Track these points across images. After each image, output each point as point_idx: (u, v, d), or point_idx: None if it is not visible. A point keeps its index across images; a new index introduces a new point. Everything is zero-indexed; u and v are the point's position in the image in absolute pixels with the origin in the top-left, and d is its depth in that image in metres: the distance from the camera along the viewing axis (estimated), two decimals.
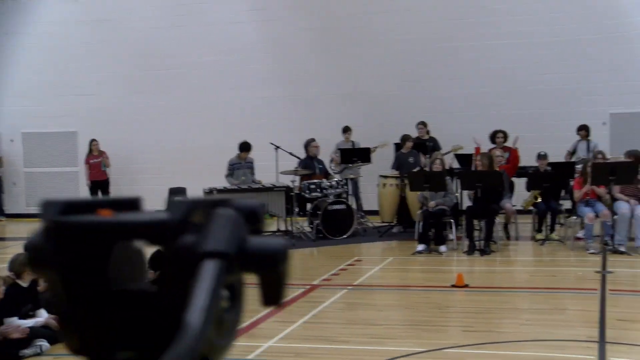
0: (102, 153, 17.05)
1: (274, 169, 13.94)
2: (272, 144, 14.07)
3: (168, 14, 17.31)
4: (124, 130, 17.57)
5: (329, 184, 13.59)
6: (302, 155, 14.29)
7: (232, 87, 17.10)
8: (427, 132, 15.21)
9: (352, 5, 16.55)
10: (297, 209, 13.53)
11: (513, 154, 12.85)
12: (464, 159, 13.16)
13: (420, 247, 11.80)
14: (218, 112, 17.13)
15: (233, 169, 13.29)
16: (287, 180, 13.44)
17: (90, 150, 17.05)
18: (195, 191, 12.62)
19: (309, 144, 14.23)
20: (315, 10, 16.78)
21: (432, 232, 12.02)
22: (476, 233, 11.67)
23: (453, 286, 9.44)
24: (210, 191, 12.60)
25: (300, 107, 16.94)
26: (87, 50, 17.66)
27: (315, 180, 13.66)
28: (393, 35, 16.43)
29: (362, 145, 14.97)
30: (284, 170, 13.66)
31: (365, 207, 15.31)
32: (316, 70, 16.86)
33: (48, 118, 17.88)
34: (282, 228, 13.24)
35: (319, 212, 13.26)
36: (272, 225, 13.99)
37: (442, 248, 11.81)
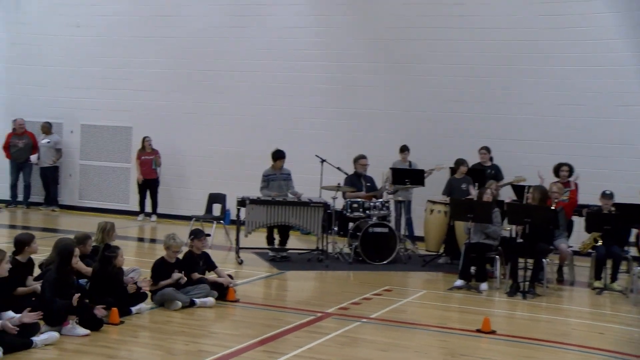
0: (154, 151, 16.78)
1: (319, 183, 13.29)
2: (317, 156, 13.45)
3: (225, 13, 16.93)
4: (175, 130, 17.31)
5: (372, 204, 12.81)
6: (352, 171, 13.57)
7: (286, 94, 16.60)
8: (490, 159, 14.25)
9: (416, 19, 15.71)
10: (336, 228, 12.81)
11: (573, 191, 11.76)
12: (520, 191, 12.14)
13: (459, 282, 10.92)
14: (268, 119, 16.67)
15: (268, 180, 12.67)
16: (328, 197, 12.73)
17: (143, 147, 16.81)
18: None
19: (357, 160, 13.55)
20: (379, 22, 16.05)
21: (473, 269, 11.14)
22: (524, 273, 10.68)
23: (478, 331, 8.54)
24: (242, 200, 12.01)
25: (356, 121, 16.28)
26: (142, 46, 17.49)
27: (358, 199, 12.91)
28: (460, 52, 15.51)
29: (420, 167, 14.18)
30: (327, 185, 12.98)
31: (418, 233, 14.45)
32: (375, 84, 16.16)
33: (106, 111, 17.78)
34: (321, 247, 12.51)
35: (359, 234, 12.51)
36: (309, 243, 13.33)
37: (483, 286, 10.90)
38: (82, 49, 17.84)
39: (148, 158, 16.73)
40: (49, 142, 17.67)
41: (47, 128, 17.74)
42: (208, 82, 17.05)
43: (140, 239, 15.23)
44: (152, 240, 15.01)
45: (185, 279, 9.08)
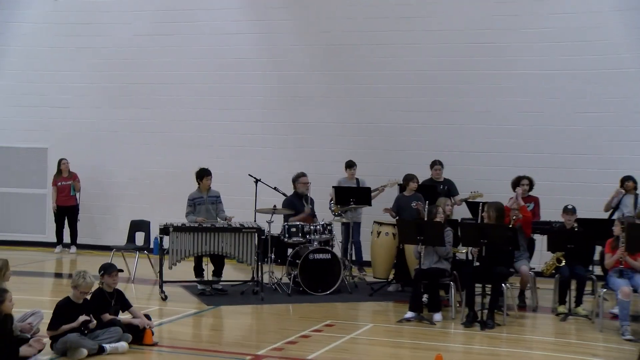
0: (72, 175, 15.82)
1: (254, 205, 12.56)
2: (251, 175, 12.67)
3: (154, 21, 16.10)
4: (98, 150, 16.46)
5: (313, 227, 12.05)
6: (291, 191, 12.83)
7: (221, 107, 15.89)
8: (440, 175, 13.60)
9: (363, 22, 15.09)
10: (272, 255, 12.02)
11: (523, 207, 11.12)
12: (476, 209, 11.49)
13: (409, 314, 10.19)
14: (203, 134, 15.91)
15: (194, 203, 11.80)
16: (263, 221, 11.95)
17: (59, 171, 15.83)
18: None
19: (297, 180, 12.78)
20: (322, 25, 15.40)
21: (426, 296, 10.45)
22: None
23: None
24: (165, 228, 11.15)
25: (300, 135, 15.61)
26: (62, 57, 16.55)
27: (296, 223, 12.14)
28: (410, 57, 14.92)
29: (370, 184, 13.58)
30: (261, 208, 12.20)
31: (367, 258, 13.70)
32: (320, 94, 15.50)
33: (18, 131, 16.71)
34: (257, 277, 11.68)
35: (298, 261, 11.73)
36: (246, 273, 12.51)
37: (436, 317, 10.20)
38: None
39: (65, 183, 15.75)
40: None
41: None
42: (134, 96, 16.25)
43: (58, 274, 14.22)
44: (70, 275, 13.97)
45: (95, 322, 8.18)
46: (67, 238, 16.00)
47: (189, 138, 15.97)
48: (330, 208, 13.11)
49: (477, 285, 10.25)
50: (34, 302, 9.70)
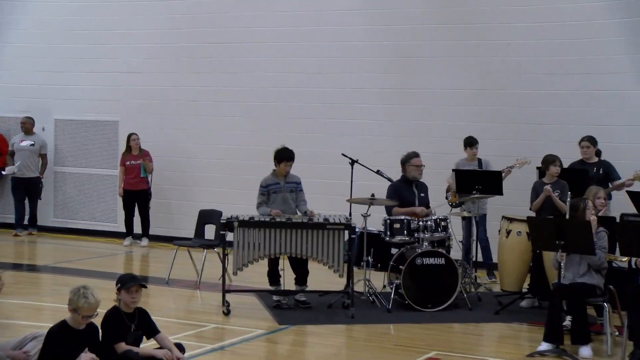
0: (144, 153, 14.53)
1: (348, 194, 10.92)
2: (345, 155, 10.90)
3: None
4: (174, 124, 15.13)
5: (422, 223, 10.16)
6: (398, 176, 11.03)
7: (317, 70, 14.22)
8: (598, 154, 11.42)
9: None
10: (369, 259, 10.26)
11: None
12: None
13: (544, 346, 8.18)
14: (296, 104, 14.36)
15: (268, 191, 10.09)
16: (358, 214, 10.24)
17: (129, 148, 14.56)
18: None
19: (407, 161, 10.88)
20: None
21: (568, 322, 8.51)
22: None
23: None
24: (229, 222, 9.51)
25: (410, 106, 13.73)
26: (127, 15, 15.28)
27: (400, 217, 10.27)
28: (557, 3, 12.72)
29: (496, 167, 11.65)
30: (357, 197, 10.46)
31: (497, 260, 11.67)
32: (437, 53, 13.55)
33: (85, 102, 15.58)
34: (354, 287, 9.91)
35: (402, 267, 9.87)
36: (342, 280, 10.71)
37: (584, 351, 8.18)
38: (55, 21, 15.73)
39: (135, 163, 14.46)
40: (32, 144, 15.47)
41: (29, 125, 15.53)
42: (217, 60, 14.80)
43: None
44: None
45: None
46: (138, 228, 14.72)
47: (280, 109, 14.44)
48: (446, 197, 11.17)
49: None
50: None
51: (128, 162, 14.49)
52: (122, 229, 14.88)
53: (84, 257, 13.38)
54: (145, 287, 6.98)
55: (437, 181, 11.90)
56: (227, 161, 14.77)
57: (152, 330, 7.04)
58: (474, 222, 11.29)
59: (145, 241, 14.61)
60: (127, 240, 14.64)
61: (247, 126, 14.64)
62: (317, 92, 14.18)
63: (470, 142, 11.98)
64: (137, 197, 14.55)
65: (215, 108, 14.84)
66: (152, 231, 14.78)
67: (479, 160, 11.98)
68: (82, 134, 15.78)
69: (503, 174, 11.31)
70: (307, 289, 10.13)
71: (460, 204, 11.19)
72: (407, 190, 10.79)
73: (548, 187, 10.16)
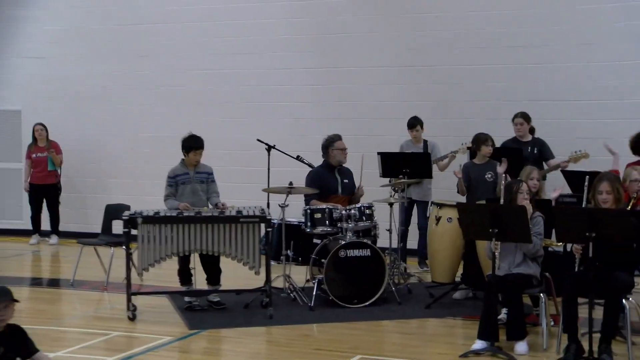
0: (51, 144, 13.52)
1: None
2: (260, 141, 10.07)
3: None
4: (84, 113, 14.14)
5: (346, 212, 9.37)
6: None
7: (235, 50, 13.39)
8: (532, 130, 10.76)
9: None
10: (289, 253, 9.47)
11: None
12: (578, 180, 8.65)
13: (478, 344, 7.47)
14: (212, 87, 13.55)
15: (176, 183, 9.19)
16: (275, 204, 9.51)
17: (35, 140, 13.48)
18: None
19: (330, 145, 10.06)
20: None
21: (503, 315, 7.89)
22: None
23: None
24: (132, 218, 8.61)
25: (339, 86, 12.97)
26: None
27: (321, 206, 9.47)
28: None
29: (442, 149, 11.16)
30: (273, 186, 9.70)
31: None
32: (363, 28, 12.76)
33: None
34: (271, 284, 9.09)
35: (324, 261, 9.06)
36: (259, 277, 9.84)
37: (519, 347, 7.50)
38: None
39: (41, 155, 13.45)
40: None
41: None
42: (127, 43, 13.91)
43: (28, 279, 11.68)
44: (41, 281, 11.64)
45: None
46: (47, 225, 13.71)
47: (197, 94, 13.61)
48: (390, 182, 10.49)
49: (582, 299, 7.38)
50: None
51: (34, 155, 13.51)
52: (28, 226, 13.85)
53: None
54: (17, 301, 6.00)
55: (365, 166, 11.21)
56: (140, 151, 13.88)
57: (27, 351, 6.07)
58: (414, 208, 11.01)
59: (54, 239, 13.62)
60: (34, 239, 13.65)
61: (160, 112, 13.75)
62: (235, 73, 13.35)
63: (410, 124, 11.25)
64: (45, 192, 13.57)
65: (126, 94, 13.92)
66: (62, 227, 13.81)
67: (425, 142, 11.26)
68: None
69: (447, 159, 10.76)
70: (222, 287, 9.28)
71: (397, 189, 10.44)
72: (329, 176, 10.00)
73: (457, 170, 9.60)
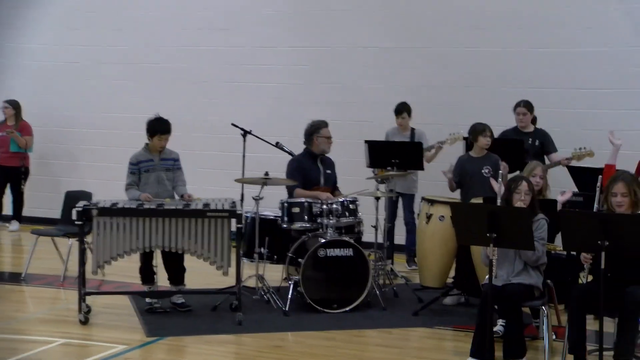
0: (20, 125, 12.66)
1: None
2: (235, 125, 9.26)
3: None
4: (52, 89, 13.31)
5: (327, 207, 8.54)
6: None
7: (214, 26, 12.53)
8: (534, 120, 9.91)
9: None
10: (263, 250, 8.63)
11: None
12: (586, 179, 7.80)
13: None
14: (188, 64, 12.70)
15: (139, 170, 8.29)
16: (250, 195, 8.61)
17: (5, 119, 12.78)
18: None
19: (315, 131, 9.18)
20: None
21: (500, 329, 7.13)
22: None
23: None
24: (85, 210, 7.70)
25: (325, 65, 12.06)
26: None
27: (300, 200, 8.61)
28: None
29: (432, 138, 10.34)
30: (248, 177, 8.84)
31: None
32: (354, 3, 11.90)
33: None
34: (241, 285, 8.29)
35: (302, 260, 8.18)
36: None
37: None
38: None
39: (3, 135, 12.55)
40: None
41: None
42: (98, 15, 13.10)
43: None
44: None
45: None
46: (7, 210, 12.90)
47: (172, 71, 12.72)
48: (374, 172, 9.72)
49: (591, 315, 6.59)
50: None
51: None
52: None
53: None
54: None
55: (350, 154, 10.46)
56: (111, 132, 12.97)
57: None
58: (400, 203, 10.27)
59: (15, 225, 12.71)
60: None
61: (133, 90, 12.86)
62: (213, 51, 12.49)
63: (397, 110, 10.41)
64: (6, 174, 12.67)
65: (96, 70, 13.06)
66: (30, 212, 12.97)
67: (412, 130, 10.41)
68: None
69: (433, 150, 10.01)
70: (187, 286, 8.40)
71: (383, 180, 9.56)
72: (310, 166, 9.13)
73: (447, 169, 8.80)
